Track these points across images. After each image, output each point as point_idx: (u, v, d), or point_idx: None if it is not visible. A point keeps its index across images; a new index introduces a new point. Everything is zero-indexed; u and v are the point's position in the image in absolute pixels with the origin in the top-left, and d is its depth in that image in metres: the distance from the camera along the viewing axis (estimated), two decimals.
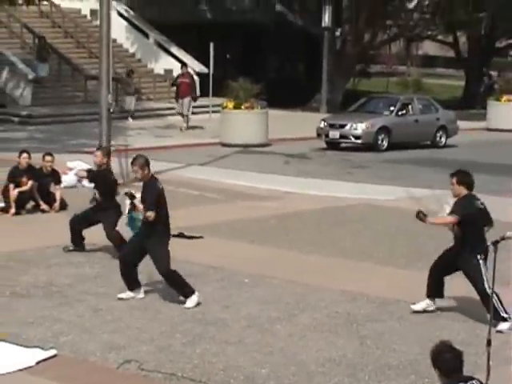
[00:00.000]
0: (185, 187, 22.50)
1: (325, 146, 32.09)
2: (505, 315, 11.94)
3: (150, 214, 12.64)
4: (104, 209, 15.69)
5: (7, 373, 10.16)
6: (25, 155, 19.24)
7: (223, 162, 27.19)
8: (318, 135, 32.66)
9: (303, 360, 11.02)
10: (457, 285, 12.82)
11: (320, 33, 42.66)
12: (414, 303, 12.88)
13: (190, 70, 38.11)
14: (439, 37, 56.17)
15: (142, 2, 43.31)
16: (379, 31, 47.42)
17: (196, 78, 40.94)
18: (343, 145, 31.80)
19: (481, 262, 12.22)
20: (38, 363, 10.49)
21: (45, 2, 37.79)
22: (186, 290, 12.91)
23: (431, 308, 12.85)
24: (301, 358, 11.07)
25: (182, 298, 12.88)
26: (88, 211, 16.13)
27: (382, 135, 32.12)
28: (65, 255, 15.74)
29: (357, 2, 42.43)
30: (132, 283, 13.25)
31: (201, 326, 12.05)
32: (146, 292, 13.46)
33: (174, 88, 36.37)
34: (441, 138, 33.82)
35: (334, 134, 32.08)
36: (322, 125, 32.80)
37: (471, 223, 12.31)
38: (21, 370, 10.30)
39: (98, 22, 25.86)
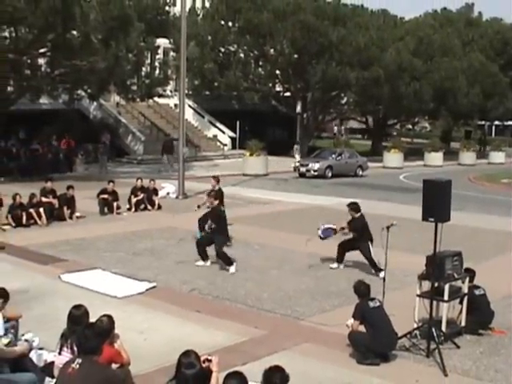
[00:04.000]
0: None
1: (297, 175, 31.99)
2: (380, 268, 11.29)
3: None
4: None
5: (130, 295, 10.23)
6: (139, 181, 19.31)
7: (244, 184, 27.16)
8: (294, 170, 32.59)
9: (286, 289, 11.05)
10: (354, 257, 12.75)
11: (295, 115, 42.71)
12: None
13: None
14: (358, 118, 56.10)
15: (201, 99, 43.22)
16: (326, 115, 47.32)
17: (228, 139, 41.09)
18: (307, 175, 31.71)
19: (369, 244, 11.91)
20: (146, 290, 10.56)
21: (150, 100, 37.68)
22: (229, 262, 12.23)
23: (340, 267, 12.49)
24: (284, 288, 11.10)
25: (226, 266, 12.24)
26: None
27: (328, 170, 31.91)
28: (160, 233, 15.73)
29: (314, 101, 42.47)
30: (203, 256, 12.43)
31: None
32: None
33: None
34: (359, 171, 33.58)
35: (303, 169, 31.91)
36: (296, 164, 32.83)
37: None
38: (137, 293, 10.36)
39: (178, 110, 25.86)
